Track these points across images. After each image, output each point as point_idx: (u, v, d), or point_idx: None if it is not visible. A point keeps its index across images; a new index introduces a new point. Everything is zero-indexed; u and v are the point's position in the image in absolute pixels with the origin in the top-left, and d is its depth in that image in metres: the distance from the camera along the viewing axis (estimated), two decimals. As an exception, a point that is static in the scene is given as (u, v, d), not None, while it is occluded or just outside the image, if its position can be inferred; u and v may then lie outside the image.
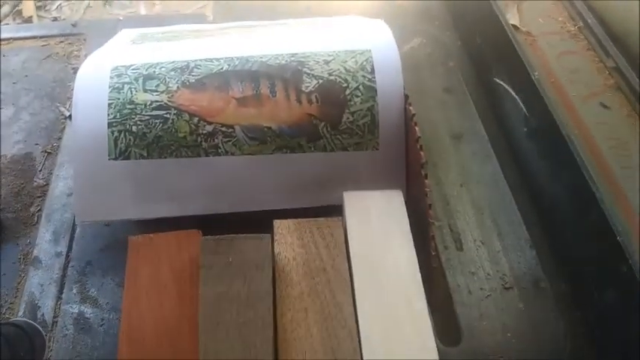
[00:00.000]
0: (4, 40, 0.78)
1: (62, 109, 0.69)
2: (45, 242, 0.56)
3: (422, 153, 0.48)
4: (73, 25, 0.80)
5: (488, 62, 0.68)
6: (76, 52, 0.76)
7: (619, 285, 0.45)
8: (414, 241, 0.48)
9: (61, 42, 0.78)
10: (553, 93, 0.56)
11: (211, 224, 0.49)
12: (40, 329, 0.46)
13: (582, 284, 0.51)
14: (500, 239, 0.55)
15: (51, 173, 0.62)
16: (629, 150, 0.51)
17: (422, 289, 0.45)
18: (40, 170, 0.63)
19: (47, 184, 0.61)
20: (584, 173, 0.49)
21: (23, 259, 0.55)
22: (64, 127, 0.67)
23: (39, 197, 0.60)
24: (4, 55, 0.76)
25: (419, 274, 0.46)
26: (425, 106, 0.66)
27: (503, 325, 0.49)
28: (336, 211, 0.51)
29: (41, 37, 0.79)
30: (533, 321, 0.49)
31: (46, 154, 0.64)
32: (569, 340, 0.49)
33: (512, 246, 0.54)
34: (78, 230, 0.57)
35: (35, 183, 0.61)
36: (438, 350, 0.42)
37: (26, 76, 0.73)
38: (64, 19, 0.89)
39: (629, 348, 0.44)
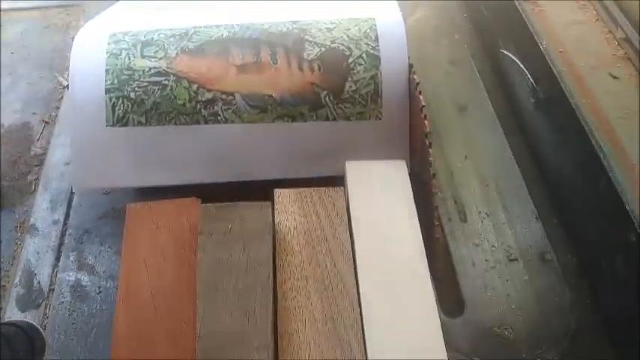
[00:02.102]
0: (3, 11, 0.77)
1: (60, 78, 0.67)
2: (42, 210, 0.55)
3: (426, 122, 0.47)
4: (72, -5, 0.79)
5: (495, 33, 0.67)
6: (74, 23, 0.75)
7: (627, 254, 0.44)
8: (417, 211, 0.47)
9: (60, 13, 0.77)
10: (561, 63, 0.54)
11: (211, 194, 0.48)
12: (40, 330, 0.45)
13: (589, 255, 0.50)
14: (505, 211, 0.54)
15: (49, 142, 0.61)
16: (637, 120, 0.49)
17: (425, 260, 0.44)
18: (38, 139, 0.62)
19: (44, 153, 0.60)
20: (592, 143, 0.48)
21: (20, 227, 0.54)
22: (62, 96, 0.66)
23: (36, 166, 0.59)
24: (2, 26, 0.75)
25: (422, 245, 0.45)
26: (430, 78, 0.65)
27: (507, 297, 0.48)
28: (338, 181, 0.50)
29: (39, 8, 0.78)
30: (539, 292, 0.49)
31: (43, 123, 0.63)
32: (574, 311, 0.48)
33: (517, 218, 0.53)
34: (75, 199, 0.56)
35: (33, 152, 0.60)
36: (440, 321, 0.41)
37: (24, 46, 0.72)
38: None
39: (636, 319, 0.43)
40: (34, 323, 0.45)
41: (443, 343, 0.40)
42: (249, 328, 0.41)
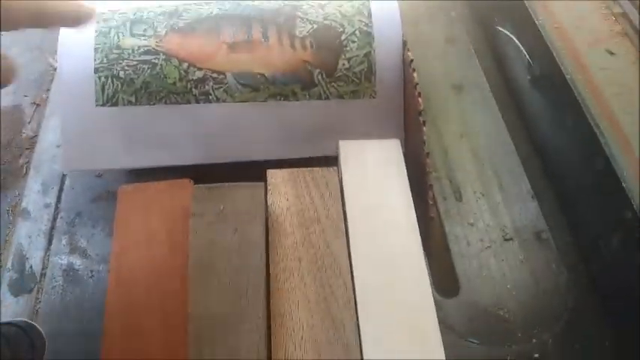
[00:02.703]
0: (-8, -9, 0.76)
1: (51, 60, 0.66)
2: (34, 193, 0.55)
3: (420, 100, 0.47)
4: (63, -25, 0.77)
5: (491, 11, 0.66)
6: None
7: (624, 233, 0.43)
8: (411, 191, 0.46)
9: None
10: (558, 40, 0.53)
11: (204, 175, 0.48)
12: (40, 329, 0.45)
13: (586, 234, 0.49)
14: (501, 190, 0.53)
15: (40, 125, 0.60)
16: (634, 97, 0.49)
17: (419, 240, 0.44)
18: (29, 122, 0.61)
19: (36, 136, 0.59)
20: (589, 120, 0.47)
21: (11, 210, 0.54)
22: (53, 78, 0.65)
23: (27, 149, 0.58)
24: (-8, 7, 0.73)
25: (416, 225, 0.44)
26: (426, 57, 0.64)
27: (502, 277, 0.48)
28: (332, 161, 0.49)
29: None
30: (535, 272, 0.48)
31: (35, 105, 0.62)
32: (571, 291, 0.48)
33: (513, 197, 0.53)
34: (67, 181, 0.55)
35: (24, 134, 0.60)
36: (435, 301, 0.40)
37: (15, 27, 0.71)
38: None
39: (633, 299, 0.43)
40: (34, 323, 0.45)
41: (437, 323, 0.40)
42: (241, 310, 0.40)
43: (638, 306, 0.42)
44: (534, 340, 0.45)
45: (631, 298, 0.43)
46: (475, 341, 0.45)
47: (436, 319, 0.40)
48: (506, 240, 0.50)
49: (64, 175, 0.55)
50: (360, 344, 0.39)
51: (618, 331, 0.45)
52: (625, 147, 0.45)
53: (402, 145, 0.50)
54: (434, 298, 0.41)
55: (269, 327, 0.41)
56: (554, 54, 0.52)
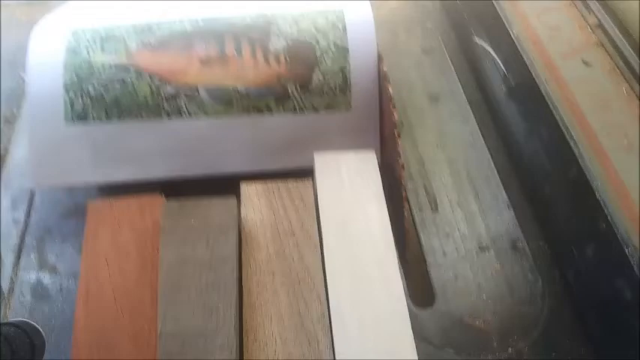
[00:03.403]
0: (-36, 5, 0.75)
1: (23, 75, 0.66)
2: (3, 209, 0.53)
3: (395, 113, 0.46)
4: (37, -10, 0.77)
5: (467, 22, 0.66)
6: (39, 18, 0.73)
7: (598, 242, 0.43)
8: (387, 202, 0.46)
9: (24, 8, 0.75)
10: (533, 51, 0.53)
11: (177, 190, 0.47)
12: (40, 329, 0.44)
13: (561, 243, 0.49)
14: (477, 200, 0.53)
15: (10, 140, 0.59)
16: (610, 107, 0.49)
17: (394, 251, 0.43)
18: (-1, 137, 0.60)
19: (6, 152, 0.58)
20: (563, 131, 0.47)
21: (-20, 227, 0.53)
22: (24, 93, 0.64)
23: (-3, 164, 0.57)
24: (-36, 21, 0.73)
25: (391, 236, 0.44)
26: (402, 67, 0.64)
27: (478, 287, 0.47)
28: (308, 174, 0.49)
29: (3, 3, 0.76)
30: (510, 282, 0.48)
31: (5, 121, 0.61)
32: (546, 300, 0.47)
33: (489, 207, 0.53)
34: (37, 197, 0.54)
35: (-6, 150, 0.59)
36: (410, 312, 0.40)
37: (-14, 42, 0.70)
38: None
39: (608, 307, 0.43)
40: (34, 323, 0.44)
41: (412, 335, 0.39)
42: (212, 326, 0.39)
43: (613, 314, 0.42)
44: (510, 350, 0.44)
45: (606, 307, 0.43)
46: (451, 352, 0.44)
47: (411, 331, 0.39)
48: (481, 249, 0.50)
49: (33, 191, 0.54)
50: (334, 358, 0.39)
51: (594, 340, 0.45)
52: (599, 156, 0.45)
53: (377, 156, 0.50)
54: (410, 309, 0.40)
55: (242, 342, 0.40)
56: (529, 65, 0.52)
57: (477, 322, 0.46)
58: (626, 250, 0.39)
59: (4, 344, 0.40)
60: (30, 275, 0.49)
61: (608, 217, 0.41)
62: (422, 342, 0.44)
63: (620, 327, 0.41)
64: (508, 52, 0.56)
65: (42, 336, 0.44)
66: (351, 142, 0.52)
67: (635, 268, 0.38)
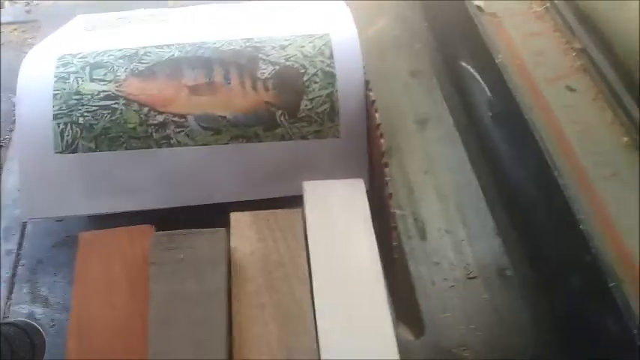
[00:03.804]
0: (-46, 27, 0.75)
1: (14, 99, 0.66)
2: (-6, 239, 0.54)
3: (382, 141, 0.47)
4: (27, 12, 0.77)
5: (454, 45, 0.66)
6: (30, 40, 0.73)
7: (583, 273, 0.43)
8: (376, 231, 0.46)
9: (15, 30, 0.75)
10: (517, 76, 0.54)
11: (167, 220, 0.47)
12: (40, 329, 0.44)
13: (548, 273, 0.49)
14: (465, 227, 0.53)
15: (1, 167, 0.59)
16: (594, 134, 0.49)
17: (382, 282, 0.43)
18: (-10, 164, 0.60)
19: (-3, 179, 0.58)
20: (547, 159, 0.47)
21: (-28, 258, 0.53)
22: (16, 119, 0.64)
23: (-12, 193, 0.58)
24: (-46, 44, 0.73)
25: (379, 266, 0.44)
26: (390, 90, 0.64)
27: (466, 317, 0.48)
28: (296, 201, 0.49)
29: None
30: (498, 311, 0.48)
31: (-1, 146, 0.62)
32: (535, 329, 0.48)
33: (477, 234, 0.53)
34: (29, 227, 0.54)
35: (-16, 177, 0.59)
36: (399, 343, 0.40)
37: (-23, 65, 0.70)
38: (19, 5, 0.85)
39: (595, 336, 0.43)
40: (34, 323, 0.44)
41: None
42: (201, 361, 0.40)
43: (600, 345, 0.42)
44: (499, 382, 0.45)
45: (593, 338, 0.43)
46: (440, 384, 0.45)
47: (399, 363, 0.39)
48: (469, 279, 0.50)
49: (25, 221, 0.54)
50: (324, 393, 0.39)
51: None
52: (584, 186, 0.46)
53: (366, 183, 0.50)
54: (399, 340, 0.41)
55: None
56: (513, 90, 0.52)
57: (465, 354, 0.46)
58: (609, 283, 0.40)
59: (4, 344, 0.40)
60: (22, 308, 0.49)
61: (592, 249, 0.42)
62: (412, 374, 0.44)
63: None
64: (493, 76, 0.56)
65: (42, 336, 0.45)
66: (340, 169, 0.52)
67: (619, 302, 0.39)
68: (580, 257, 0.43)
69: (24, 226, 0.54)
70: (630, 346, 0.38)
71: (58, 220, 0.54)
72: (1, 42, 0.74)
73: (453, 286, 0.50)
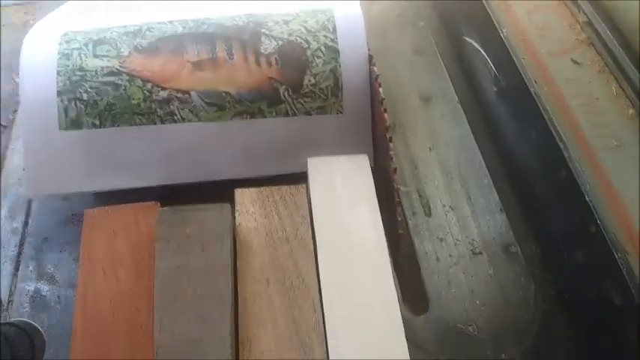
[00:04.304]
0: (-43, 9, 0.75)
1: (17, 80, 0.65)
2: (1, 219, 0.54)
3: (386, 115, 0.47)
4: (28, -8, 0.76)
5: (458, 21, 0.66)
6: (32, 22, 0.73)
7: (588, 246, 0.43)
8: (380, 206, 0.46)
9: (17, 11, 0.75)
10: (522, 50, 0.54)
11: (172, 196, 0.47)
12: (40, 329, 0.45)
13: (553, 247, 0.49)
14: (469, 204, 0.53)
15: (6, 147, 0.59)
16: (599, 107, 0.49)
17: (387, 257, 0.43)
18: (-5, 145, 0.60)
19: (3, 159, 0.58)
20: (551, 132, 0.47)
21: (-22, 236, 0.53)
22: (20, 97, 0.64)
23: (-7, 172, 0.58)
24: (-43, 25, 0.73)
25: (384, 242, 0.44)
26: (394, 68, 0.64)
27: (471, 292, 0.48)
28: (301, 178, 0.49)
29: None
30: (503, 286, 0.48)
31: (1, 127, 0.62)
32: (539, 304, 0.48)
33: (482, 210, 0.53)
34: (34, 205, 0.54)
35: (-11, 158, 0.59)
36: (404, 319, 0.40)
37: (-20, 46, 0.70)
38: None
39: (599, 310, 0.43)
40: (34, 323, 0.45)
41: (405, 343, 0.39)
42: (207, 336, 0.40)
43: (605, 318, 0.42)
44: (503, 356, 0.45)
45: (597, 311, 0.43)
46: (444, 359, 0.45)
47: (404, 338, 0.39)
48: (474, 254, 0.50)
49: (30, 199, 0.55)
50: (329, 366, 0.39)
51: (587, 344, 0.45)
52: (589, 158, 0.45)
53: (370, 159, 0.50)
54: (404, 316, 0.41)
55: (237, 352, 0.40)
56: (518, 65, 0.52)
57: (471, 329, 0.46)
58: (616, 255, 0.40)
59: (4, 344, 0.40)
60: (29, 285, 0.49)
61: (597, 221, 0.41)
62: (415, 349, 0.44)
63: (611, 332, 0.42)
64: (498, 51, 0.56)
65: (42, 336, 0.45)
66: (344, 144, 0.52)
67: (624, 273, 0.39)
68: (585, 229, 0.43)
69: (29, 204, 0.54)
70: (633, 317, 0.38)
71: (63, 199, 0.54)
72: (2, 23, 0.73)
73: (457, 262, 0.50)
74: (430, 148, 0.57)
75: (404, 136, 0.58)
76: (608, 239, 0.41)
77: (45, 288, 0.49)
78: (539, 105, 0.49)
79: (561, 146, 0.46)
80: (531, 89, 0.50)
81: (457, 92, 0.62)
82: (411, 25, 0.69)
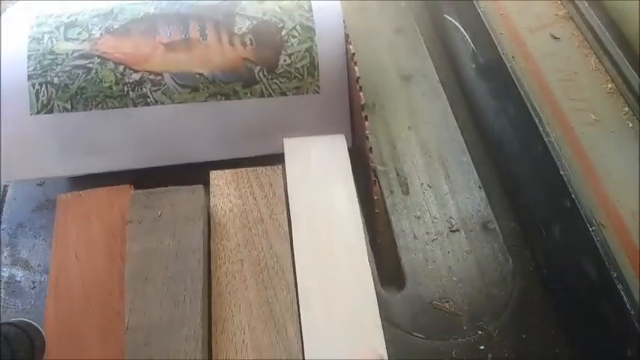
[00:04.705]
0: None
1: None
2: (-25, 205, 0.53)
3: (361, 94, 0.46)
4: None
5: (439, 0, 0.65)
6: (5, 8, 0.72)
7: (564, 220, 0.43)
8: (357, 186, 0.46)
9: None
10: (500, 26, 0.53)
11: (147, 179, 0.47)
12: (40, 329, 0.44)
13: (530, 223, 0.49)
14: (448, 181, 0.53)
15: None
16: (578, 81, 0.48)
17: (362, 237, 0.43)
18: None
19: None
20: (529, 107, 0.46)
21: (-46, 224, 0.53)
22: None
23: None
24: None
25: (360, 221, 0.44)
26: (375, 47, 0.63)
27: (448, 269, 0.47)
28: (279, 159, 0.48)
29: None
30: (481, 263, 0.48)
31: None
32: (517, 280, 0.47)
33: (460, 188, 0.52)
34: (9, 192, 0.54)
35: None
36: (380, 297, 0.40)
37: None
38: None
39: (576, 286, 0.43)
40: (34, 323, 0.44)
41: (379, 321, 0.39)
42: (178, 317, 0.39)
43: (580, 293, 0.42)
44: (480, 332, 0.44)
45: (575, 287, 0.43)
46: (421, 336, 0.44)
47: (378, 317, 0.39)
48: (452, 231, 0.49)
49: (5, 186, 0.54)
50: (302, 346, 0.39)
51: (564, 320, 0.45)
52: (565, 134, 0.45)
53: (348, 139, 0.49)
54: (380, 294, 0.40)
55: (210, 332, 0.40)
56: (496, 41, 0.51)
57: (447, 305, 0.46)
58: (590, 229, 0.39)
59: (4, 344, 0.40)
60: (3, 271, 0.49)
61: (572, 195, 0.41)
62: (391, 327, 0.44)
63: (588, 306, 0.41)
64: (476, 27, 0.55)
65: (42, 336, 0.44)
66: (321, 125, 0.51)
67: (599, 246, 0.38)
68: (561, 203, 0.42)
69: (4, 191, 0.54)
70: (609, 290, 0.37)
71: (38, 184, 0.54)
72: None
73: (435, 239, 0.49)
74: (409, 127, 0.57)
75: (383, 115, 0.58)
76: (582, 213, 0.40)
77: (19, 274, 0.49)
78: (516, 80, 0.48)
79: (537, 121, 0.45)
80: (508, 65, 0.49)
81: (438, 71, 0.61)
82: (392, 5, 0.68)
